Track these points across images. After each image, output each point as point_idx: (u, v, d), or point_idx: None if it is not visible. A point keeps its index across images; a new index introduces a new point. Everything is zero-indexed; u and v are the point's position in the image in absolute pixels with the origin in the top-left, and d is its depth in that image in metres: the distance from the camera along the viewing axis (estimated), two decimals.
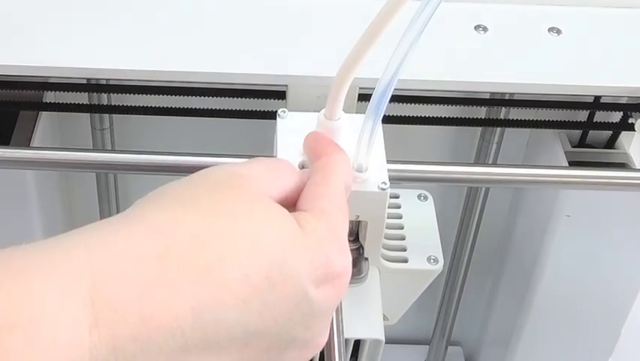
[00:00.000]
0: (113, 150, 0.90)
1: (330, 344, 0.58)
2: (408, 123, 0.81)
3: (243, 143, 0.85)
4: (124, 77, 0.75)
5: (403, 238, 0.68)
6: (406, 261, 0.66)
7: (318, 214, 0.42)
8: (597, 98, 0.82)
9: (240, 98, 0.79)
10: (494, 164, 0.92)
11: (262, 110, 0.80)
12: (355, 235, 0.63)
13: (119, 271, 0.34)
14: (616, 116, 0.84)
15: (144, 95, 0.78)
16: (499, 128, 0.90)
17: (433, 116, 0.82)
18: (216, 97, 0.78)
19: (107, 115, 0.90)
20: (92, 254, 0.35)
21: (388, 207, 0.60)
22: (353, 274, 0.63)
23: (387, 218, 0.62)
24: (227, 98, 0.78)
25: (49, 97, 0.83)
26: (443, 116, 0.83)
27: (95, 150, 0.89)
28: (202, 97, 0.78)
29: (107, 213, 0.98)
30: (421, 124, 0.82)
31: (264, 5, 0.78)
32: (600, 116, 0.84)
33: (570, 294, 0.93)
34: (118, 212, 0.98)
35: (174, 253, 0.36)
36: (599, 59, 0.76)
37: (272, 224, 0.39)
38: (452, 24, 0.78)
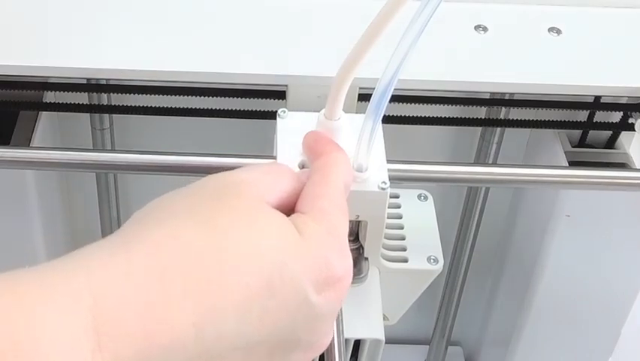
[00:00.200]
0: (113, 150, 0.90)
1: (330, 344, 0.58)
2: (408, 123, 0.81)
3: (243, 143, 0.85)
4: (124, 77, 0.75)
5: (403, 238, 0.68)
6: (406, 261, 0.66)
7: (318, 215, 0.42)
8: (597, 98, 0.82)
9: (240, 98, 0.79)
10: (494, 164, 0.92)
11: (262, 110, 0.80)
12: (355, 234, 0.63)
13: (120, 293, 0.34)
14: (616, 116, 0.84)
15: (144, 95, 0.78)
16: (499, 128, 0.90)
17: (433, 116, 0.82)
18: (216, 97, 0.78)
19: (107, 115, 0.90)
20: (92, 278, 0.35)
21: (388, 207, 0.60)
22: (353, 274, 0.63)
23: (388, 218, 0.62)
24: (227, 98, 0.78)
25: (49, 97, 0.83)
26: (443, 116, 0.83)
27: (95, 150, 0.89)
28: (202, 97, 0.78)
29: (107, 213, 0.98)
30: (421, 124, 0.82)
31: (264, 5, 0.78)
32: (600, 116, 0.84)
33: (570, 294, 0.93)
34: (118, 212, 0.98)
35: (174, 271, 0.36)
36: (599, 59, 0.76)
37: (270, 231, 0.39)
38: (452, 24, 0.78)
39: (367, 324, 0.62)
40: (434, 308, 1.11)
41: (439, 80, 0.74)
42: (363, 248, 0.63)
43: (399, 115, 0.80)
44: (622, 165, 0.86)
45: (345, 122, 0.58)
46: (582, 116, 0.85)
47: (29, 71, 0.73)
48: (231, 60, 0.73)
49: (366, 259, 0.63)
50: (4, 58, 0.71)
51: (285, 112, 0.63)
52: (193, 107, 0.81)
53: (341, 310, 0.59)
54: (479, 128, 0.93)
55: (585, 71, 0.75)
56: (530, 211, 0.97)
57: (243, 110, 0.81)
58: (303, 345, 0.40)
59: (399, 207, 0.70)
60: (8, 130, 0.84)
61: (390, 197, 0.60)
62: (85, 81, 0.79)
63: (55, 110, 0.82)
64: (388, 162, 0.59)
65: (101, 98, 0.85)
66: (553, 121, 0.84)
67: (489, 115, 0.88)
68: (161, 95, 0.78)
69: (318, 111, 0.60)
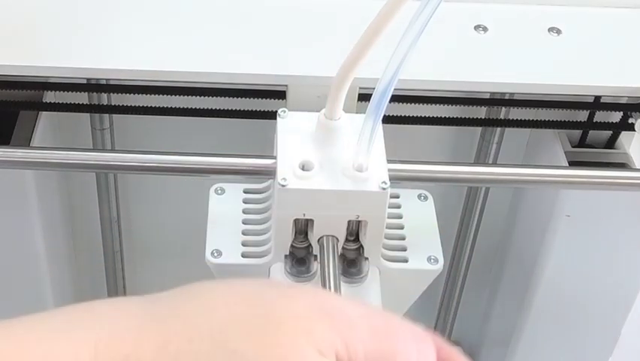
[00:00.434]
0: (113, 150, 0.90)
1: None
2: (408, 123, 0.81)
3: (243, 143, 0.85)
4: (124, 77, 0.75)
5: (403, 238, 0.68)
6: (406, 261, 0.66)
7: None
8: (597, 98, 0.82)
9: (240, 98, 0.79)
10: (494, 164, 0.92)
11: (262, 110, 0.80)
12: (355, 234, 0.63)
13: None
14: (616, 116, 0.84)
15: (144, 95, 0.78)
16: (499, 128, 0.90)
17: (433, 116, 0.82)
18: (216, 97, 0.78)
19: (107, 115, 0.90)
20: (97, 355, 0.34)
21: (388, 207, 0.60)
22: (353, 274, 0.63)
23: (388, 218, 0.62)
24: (227, 98, 0.78)
25: (49, 97, 0.83)
26: (443, 116, 0.83)
27: (95, 150, 0.89)
28: (202, 97, 0.78)
29: (107, 213, 0.98)
30: (421, 124, 0.82)
31: (263, 5, 0.78)
32: (600, 116, 0.84)
33: (570, 294, 0.93)
34: (118, 212, 0.98)
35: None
36: (599, 59, 0.76)
37: None
38: (452, 24, 0.78)
39: None
40: (434, 308, 1.11)
41: (439, 80, 0.74)
42: (363, 248, 0.63)
43: (399, 115, 0.80)
44: (622, 165, 0.86)
45: (345, 122, 0.58)
46: (582, 116, 0.85)
47: (29, 71, 0.73)
48: (231, 60, 0.73)
49: (366, 259, 0.63)
50: (4, 58, 0.71)
51: (285, 112, 0.63)
52: (193, 107, 0.81)
53: None
54: (479, 128, 0.93)
55: (585, 71, 0.75)
56: (530, 211, 0.97)
57: (243, 110, 0.81)
58: None
59: (399, 207, 0.70)
60: (8, 130, 0.84)
61: (391, 197, 0.60)
62: (85, 81, 0.79)
63: (55, 110, 0.82)
64: (388, 162, 0.59)
65: (101, 98, 0.85)
66: (553, 121, 0.84)
67: (489, 115, 0.88)
68: (161, 95, 0.78)
69: (318, 111, 0.60)
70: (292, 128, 0.61)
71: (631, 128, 0.82)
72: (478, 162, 0.94)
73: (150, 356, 0.34)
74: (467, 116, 0.83)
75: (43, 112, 0.85)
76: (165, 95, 0.78)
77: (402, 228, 0.68)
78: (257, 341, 0.34)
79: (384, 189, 0.58)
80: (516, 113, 0.84)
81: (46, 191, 0.90)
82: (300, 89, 0.73)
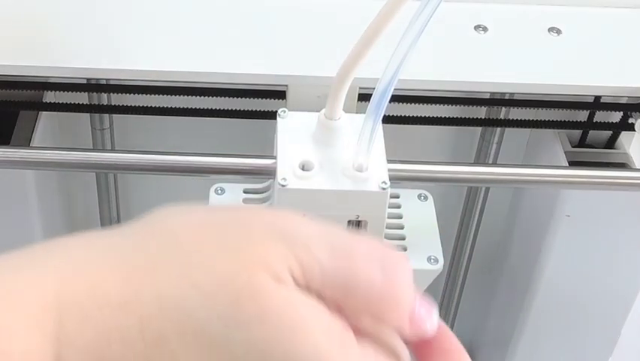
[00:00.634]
0: (113, 150, 0.90)
1: None
2: (408, 123, 0.81)
3: (243, 143, 0.85)
4: (124, 77, 0.75)
5: (403, 238, 0.68)
6: None
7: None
8: (597, 98, 0.82)
9: (240, 98, 0.79)
10: (494, 164, 0.92)
11: (262, 110, 0.80)
12: None
13: (83, 313, 0.34)
14: (616, 116, 0.84)
15: (144, 95, 0.78)
16: (499, 128, 0.90)
17: (433, 116, 0.82)
18: (216, 97, 0.78)
19: (107, 115, 0.90)
20: (61, 290, 0.34)
21: (388, 207, 0.60)
22: None
23: (388, 218, 0.62)
24: (227, 98, 0.78)
25: (49, 97, 0.83)
26: (443, 116, 0.83)
27: (95, 150, 0.89)
28: (202, 97, 0.78)
29: (107, 213, 0.98)
30: (421, 124, 0.82)
31: (263, 5, 0.78)
32: (600, 116, 0.84)
33: (570, 294, 0.93)
34: (118, 212, 0.98)
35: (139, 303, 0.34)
36: (599, 59, 0.76)
37: None
38: (452, 24, 0.78)
39: None
40: None
41: (439, 80, 0.74)
42: None
43: (399, 115, 0.80)
44: (622, 165, 0.86)
45: (345, 122, 0.58)
46: (582, 116, 0.85)
47: (29, 71, 0.72)
48: (231, 60, 0.73)
49: None
50: (4, 58, 0.71)
51: (285, 112, 0.63)
52: (193, 107, 0.81)
53: None
54: (479, 128, 0.93)
55: (585, 71, 0.75)
56: (530, 211, 0.97)
57: (243, 110, 0.81)
58: None
59: (399, 207, 0.70)
60: (8, 130, 0.84)
61: (391, 197, 0.60)
62: (85, 81, 0.79)
63: (55, 110, 0.82)
64: (388, 162, 0.59)
65: (101, 98, 0.85)
66: (553, 121, 0.84)
67: (489, 115, 0.88)
68: (161, 95, 0.78)
69: (318, 111, 0.60)
70: (292, 128, 0.61)
71: (631, 128, 0.82)
72: (478, 162, 0.94)
73: (115, 287, 0.34)
74: (467, 116, 0.83)
75: (43, 112, 0.85)
76: (165, 95, 0.78)
77: (402, 228, 0.68)
78: (215, 274, 0.34)
79: (384, 189, 0.58)
80: (516, 113, 0.84)
81: (46, 191, 0.90)
82: (300, 89, 0.73)
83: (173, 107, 0.81)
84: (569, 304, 0.95)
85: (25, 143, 0.83)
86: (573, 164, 0.85)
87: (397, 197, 0.70)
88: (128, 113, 0.81)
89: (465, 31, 0.77)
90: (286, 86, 0.74)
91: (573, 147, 0.87)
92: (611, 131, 0.87)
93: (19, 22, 0.75)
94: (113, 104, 0.84)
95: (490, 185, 0.94)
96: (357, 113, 0.61)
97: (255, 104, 0.80)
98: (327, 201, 0.59)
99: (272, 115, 0.65)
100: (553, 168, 0.77)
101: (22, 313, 0.33)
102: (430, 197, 0.71)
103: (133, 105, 0.81)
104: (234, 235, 0.35)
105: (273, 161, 0.61)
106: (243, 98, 0.79)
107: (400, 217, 0.69)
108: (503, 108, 0.86)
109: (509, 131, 0.91)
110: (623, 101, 0.82)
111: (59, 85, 0.79)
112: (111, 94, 0.83)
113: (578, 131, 0.87)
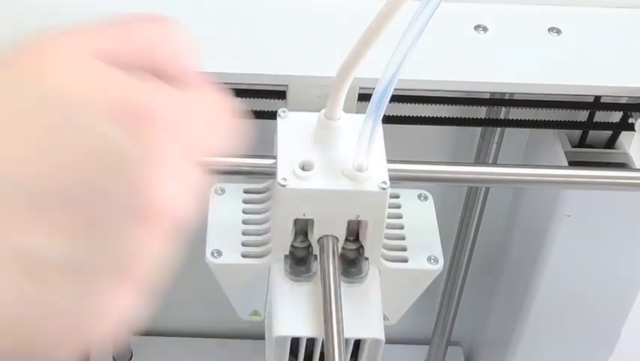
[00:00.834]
0: None
1: (330, 343, 0.58)
2: (408, 123, 0.81)
3: (243, 143, 0.85)
4: None
5: (403, 238, 0.68)
6: (406, 261, 0.66)
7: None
8: (597, 98, 0.82)
9: (240, 98, 0.79)
10: (494, 164, 0.92)
11: (262, 110, 0.80)
12: (355, 234, 0.63)
13: None
14: (616, 116, 0.84)
15: None
16: (499, 128, 0.90)
17: (433, 116, 0.82)
18: None
19: None
20: None
21: (388, 207, 0.60)
22: (353, 274, 0.63)
23: (388, 218, 0.62)
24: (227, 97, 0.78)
25: None
26: (443, 116, 0.83)
27: None
28: None
29: None
30: (421, 124, 0.82)
31: (263, 5, 0.78)
32: (600, 116, 0.84)
33: (570, 294, 0.93)
34: None
35: None
36: (599, 59, 0.76)
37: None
38: (452, 24, 0.78)
39: (367, 324, 0.62)
40: (434, 308, 1.11)
41: (439, 80, 0.74)
42: (363, 248, 0.63)
43: (399, 115, 0.80)
44: (622, 165, 0.86)
45: (345, 122, 0.58)
46: (582, 116, 0.85)
47: None
48: (231, 60, 0.73)
49: (367, 259, 0.63)
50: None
51: (285, 112, 0.63)
52: None
53: (341, 310, 0.59)
54: (479, 128, 0.93)
55: (585, 71, 0.75)
56: (530, 211, 0.97)
57: (243, 110, 0.81)
58: (119, 205, 0.34)
59: (399, 207, 0.70)
60: None
61: (390, 197, 0.60)
62: None
63: None
64: (388, 162, 0.59)
65: None
66: (553, 121, 0.84)
67: (489, 115, 0.88)
68: None
69: (318, 111, 0.60)
70: (292, 128, 0.61)
71: (631, 128, 0.82)
72: (478, 162, 0.94)
73: None
74: (467, 116, 0.83)
75: None
76: None
77: (402, 228, 0.68)
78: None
79: (384, 189, 0.58)
80: (516, 113, 0.84)
81: None
82: (300, 89, 0.73)
83: None
84: (569, 304, 0.95)
85: None
86: (573, 164, 0.85)
87: (397, 197, 0.70)
88: None
89: (465, 31, 0.78)
90: (286, 86, 0.74)
91: (573, 147, 0.87)
92: (611, 131, 0.87)
93: (19, 22, 0.75)
94: None
95: (490, 185, 0.94)
96: (357, 113, 0.61)
97: (255, 104, 0.80)
98: (327, 201, 0.59)
99: (272, 115, 0.65)
100: (553, 168, 0.77)
101: None
102: (430, 197, 0.71)
103: None
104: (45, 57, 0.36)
105: (273, 161, 0.61)
106: (243, 98, 0.79)
107: (400, 217, 0.69)
108: (503, 108, 0.86)
109: (509, 131, 0.91)
110: (623, 101, 0.82)
111: None
112: None
113: (578, 131, 0.87)
